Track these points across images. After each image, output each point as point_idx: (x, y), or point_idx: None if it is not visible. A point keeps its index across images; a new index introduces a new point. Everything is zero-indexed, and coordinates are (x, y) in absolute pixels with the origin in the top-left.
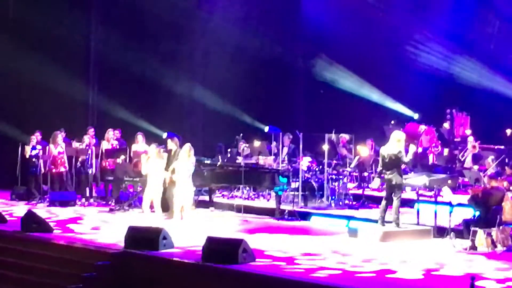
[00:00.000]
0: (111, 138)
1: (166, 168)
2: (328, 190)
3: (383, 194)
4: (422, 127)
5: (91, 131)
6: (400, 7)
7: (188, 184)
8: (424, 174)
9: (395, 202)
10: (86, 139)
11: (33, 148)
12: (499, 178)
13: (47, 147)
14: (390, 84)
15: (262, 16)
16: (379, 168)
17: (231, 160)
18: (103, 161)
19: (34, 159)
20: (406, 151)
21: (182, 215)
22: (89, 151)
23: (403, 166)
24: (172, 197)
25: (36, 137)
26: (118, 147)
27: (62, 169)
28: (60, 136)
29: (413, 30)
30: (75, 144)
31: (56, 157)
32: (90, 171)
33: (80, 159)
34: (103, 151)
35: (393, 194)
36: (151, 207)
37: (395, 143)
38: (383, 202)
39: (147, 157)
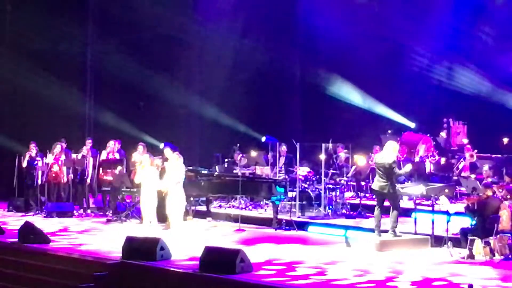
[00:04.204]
0: (114, 149)
1: (161, 177)
2: (325, 200)
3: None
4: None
5: (89, 142)
6: (397, 17)
7: (178, 193)
8: (421, 183)
9: (394, 212)
10: (84, 150)
11: (32, 159)
12: (495, 185)
13: (44, 158)
14: (387, 93)
15: (258, 26)
16: None
17: (228, 170)
18: (101, 171)
19: (32, 171)
20: (407, 160)
21: (171, 224)
22: (86, 162)
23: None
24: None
25: (31, 148)
26: (117, 158)
27: (61, 180)
28: (58, 146)
29: (410, 40)
30: (73, 155)
31: (54, 168)
32: (88, 181)
33: (79, 170)
34: (101, 162)
35: (390, 205)
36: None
37: (391, 152)
38: (376, 211)
39: (142, 166)
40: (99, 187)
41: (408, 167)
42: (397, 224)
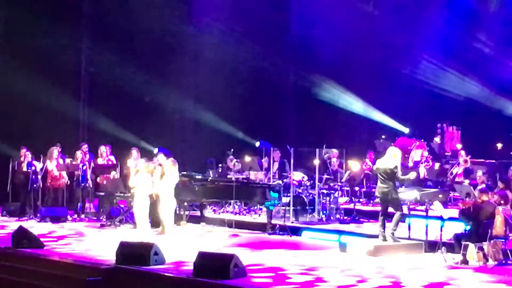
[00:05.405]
0: (105, 154)
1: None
2: (319, 205)
3: (377, 208)
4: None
5: (85, 147)
6: (392, 23)
7: (169, 199)
8: (415, 188)
9: (397, 215)
10: (79, 154)
11: (29, 164)
12: (490, 192)
13: (38, 163)
14: (381, 98)
15: (252, 32)
16: None
17: (222, 175)
18: (98, 177)
19: (32, 175)
20: (402, 165)
21: (163, 230)
22: (84, 167)
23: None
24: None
25: (23, 153)
26: (112, 162)
27: (60, 184)
28: (56, 151)
29: (404, 45)
30: (67, 160)
31: (53, 172)
32: (88, 186)
33: (75, 175)
34: (95, 167)
35: (393, 209)
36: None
37: (391, 158)
38: (381, 218)
39: (136, 171)
40: (94, 192)
41: (412, 175)
42: (397, 228)
